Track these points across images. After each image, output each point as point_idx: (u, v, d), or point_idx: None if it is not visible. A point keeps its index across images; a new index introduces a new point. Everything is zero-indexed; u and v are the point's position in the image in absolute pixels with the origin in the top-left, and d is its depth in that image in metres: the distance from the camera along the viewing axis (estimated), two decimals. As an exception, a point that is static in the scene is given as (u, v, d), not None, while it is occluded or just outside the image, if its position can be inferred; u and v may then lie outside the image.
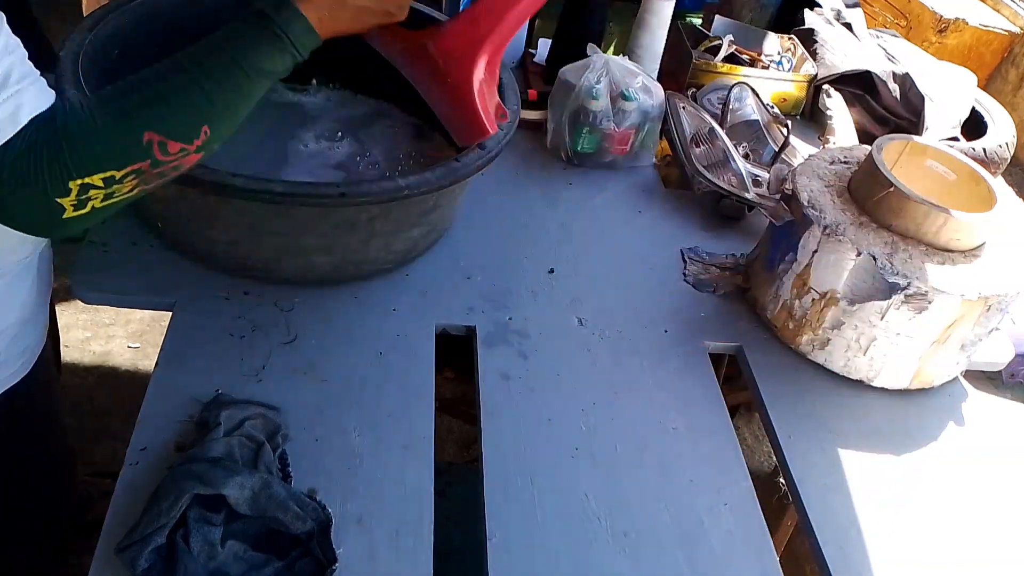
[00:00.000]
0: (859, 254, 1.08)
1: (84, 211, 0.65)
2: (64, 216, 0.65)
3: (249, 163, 1.17)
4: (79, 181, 0.64)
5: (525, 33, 1.75)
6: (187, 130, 0.69)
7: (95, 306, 1.86)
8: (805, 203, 1.14)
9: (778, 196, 1.30)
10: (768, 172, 1.41)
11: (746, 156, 1.45)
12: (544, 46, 1.79)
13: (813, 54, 1.83)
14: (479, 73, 1.00)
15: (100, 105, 0.66)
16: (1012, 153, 1.72)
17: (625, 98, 1.43)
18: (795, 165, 1.32)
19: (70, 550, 1.46)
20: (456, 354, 1.16)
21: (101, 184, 0.65)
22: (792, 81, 1.76)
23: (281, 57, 0.75)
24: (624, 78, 1.44)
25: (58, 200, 0.63)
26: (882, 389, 1.16)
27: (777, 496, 1.40)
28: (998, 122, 1.79)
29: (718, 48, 1.82)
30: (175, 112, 0.68)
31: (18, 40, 0.64)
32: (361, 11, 0.84)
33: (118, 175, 0.65)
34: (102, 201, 0.66)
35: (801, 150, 1.57)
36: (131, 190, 0.68)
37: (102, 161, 0.64)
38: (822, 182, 1.20)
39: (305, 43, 0.76)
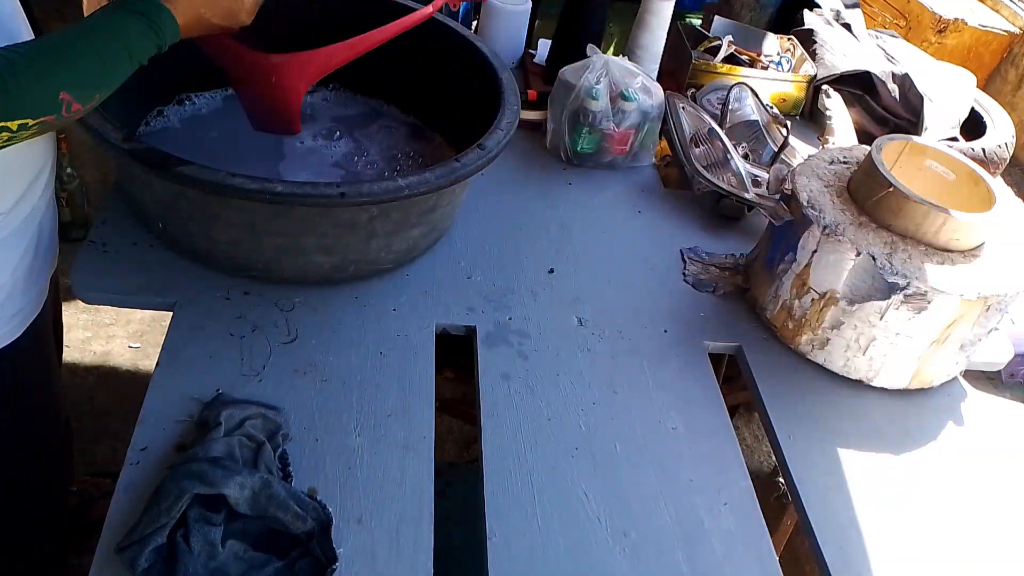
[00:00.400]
0: (858, 254, 1.08)
1: None
2: None
3: (248, 161, 1.18)
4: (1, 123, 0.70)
5: (525, 34, 1.75)
6: (89, 94, 0.78)
7: (95, 306, 1.86)
8: (804, 203, 1.15)
9: (777, 196, 1.30)
10: (768, 172, 1.41)
11: (745, 156, 1.45)
12: (544, 46, 1.79)
13: (812, 54, 1.83)
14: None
15: (25, 62, 0.73)
16: (1011, 153, 1.73)
17: (625, 98, 1.43)
18: (794, 165, 1.32)
19: (70, 550, 1.46)
20: (456, 354, 1.16)
21: (14, 129, 0.72)
22: (791, 81, 1.76)
23: (147, 43, 0.83)
24: (624, 78, 1.44)
25: None
26: (881, 389, 1.17)
27: (777, 496, 1.40)
28: (997, 122, 1.79)
29: (718, 48, 1.82)
30: (83, 78, 0.77)
31: None
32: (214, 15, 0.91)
33: (31, 123, 0.73)
34: (3, 143, 0.73)
35: (800, 150, 1.57)
36: (32, 135, 0.75)
37: (21, 106, 0.71)
38: (821, 182, 1.20)
39: (168, 33, 0.85)
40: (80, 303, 2.01)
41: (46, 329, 1.11)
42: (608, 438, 1.00)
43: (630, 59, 1.56)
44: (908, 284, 1.06)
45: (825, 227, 1.11)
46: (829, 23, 1.94)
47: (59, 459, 1.30)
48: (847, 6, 2.01)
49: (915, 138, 1.26)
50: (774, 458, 1.43)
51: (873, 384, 1.16)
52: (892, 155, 1.23)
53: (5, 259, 0.93)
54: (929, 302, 1.06)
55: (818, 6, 2.00)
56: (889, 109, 1.73)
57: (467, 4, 1.76)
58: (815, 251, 1.13)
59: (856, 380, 1.17)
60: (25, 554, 1.29)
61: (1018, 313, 1.35)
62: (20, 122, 0.72)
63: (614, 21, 1.93)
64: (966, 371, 1.23)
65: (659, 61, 1.68)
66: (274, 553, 0.80)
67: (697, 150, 1.46)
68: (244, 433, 0.86)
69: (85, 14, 1.56)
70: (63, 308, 2.11)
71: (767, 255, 1.22)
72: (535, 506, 0.91)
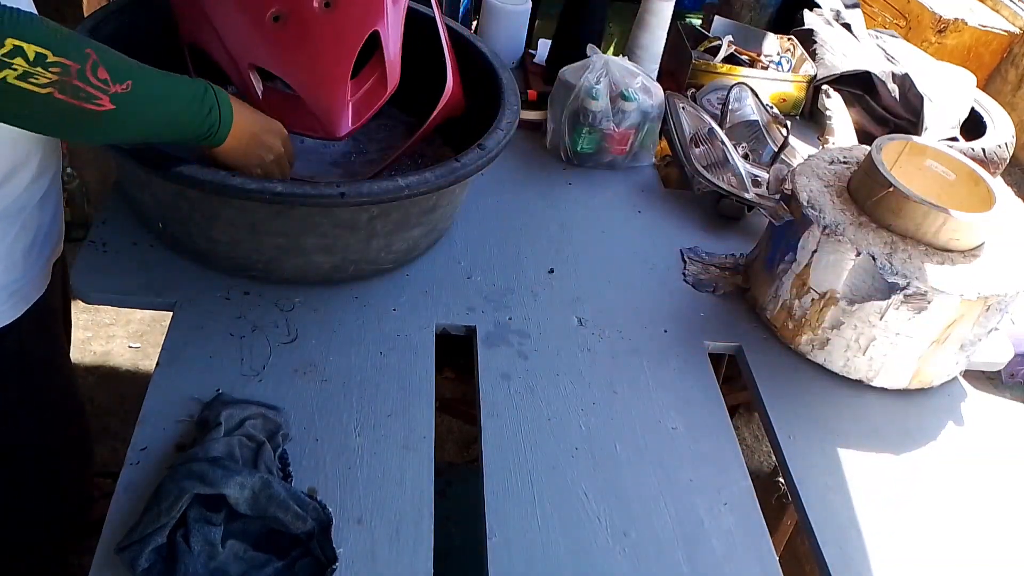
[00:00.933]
0: (858, 254, 1.08)
1: None
2: None
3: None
4: (16, 41, 0.66)
5: (525, 34, 1.75)
6: (118, 73, 0.75)
7: (95, 306, 1.86)
8: (804, 203, 1.15)
9: (777, 196, 1.30)
10: (767, 172, 1.41)
11: (745, 156, 1.45)
12: (544, 46, 1.79)
13: (812, 54, 1.83)
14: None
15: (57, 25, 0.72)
16: (1011, 153, 1.73)
17: (625, 98, 1.43)
18: (794, 165, 1.32)
19: (70, 550, 1.46)
20: (456, 354, 1.16)
21: (31, 57, 0.67)
22: (791, 81, 1.76)
23: (196, 118, 0.85)
24: (624, 78, 1.44)
25: None
26: (881, 389, 1.17)
27: (777, 496, 1.40)
28: (997, 122, 1.79)
29: (717, 48, 1.82)
30: (116, 60, 0.76)
31: None
32: (260, 162, 0.97)
33: (50, 58, 0.68)
34: (16, 78, 0.67)
35: (800, 150, 1.57)
36: (45, 85, 0.69)
37: (46, 37, 0.68)
38: (821, 182, 1.20)
39: (225, 122, 0.88)
40: (80, 303, 2.01)
41: (52, 316, 1.11)
42: (608, 438, 1.00)
43: (630, 59, 1.56)
44: (908, 284, 1.06)
45: (825, 227, 1.11)
46: (829, 23, 1.94)
47: (74, 453, 1.29)
48: (847, 6, 2.01)
49: (915, 138, 1.26)
50: (774, 458, 1.43)
51: (873, 384, 1.16)
52: (892, 155, 1.23)
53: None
54: (929, 302, 1.06)
55: (818, 6, 2.00)
56: (889, 109, 1.73)
57: (467, 4, 1.76)
58: (815, 251, 1.13)
59: (856, 380, 1.17)
60: (25, 554, 1.29)
61: (1018, 313, 1.35)
62: (38, 50, 0.67)
63: (614, 21, 1.93)
64: (966, 371, 1.23)
65: (659, 61, 1.68)
66: (274, 553, 0.80)
67: (697, 150, 1.46)
68: (244, 433, 0.86)
69: (85, 14, 1.56)
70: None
71: (767, 255, 1.22)
72: (535, 506, 0.91)
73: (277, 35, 1.00)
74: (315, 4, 1.01)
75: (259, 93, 0.99)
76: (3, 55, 0.66)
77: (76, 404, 1.26)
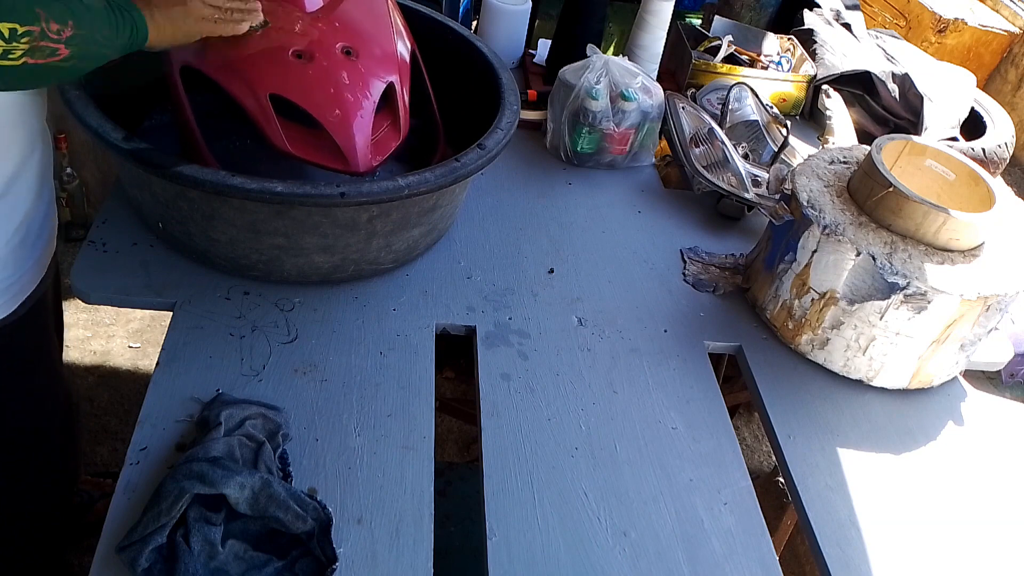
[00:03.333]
0: (858, 254, 1.08)
1: None
2: None
3: (244, 157, 1.17)
4: None
5: (525, 34, 1.75)
6: (62, 16, 0.79)
7: (95, 306, 1.86)
8: (804, 203, 1.15)
9: (777, 196, 1.30)
10: (767, 172, 1.41)
11: (745, 156, 1.45)
12: (544, 46, 1.79)
13: (812, 54, 1.83)
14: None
15: None
16: (1011, 153, 1.73)
17: (625, 98, 1.43)
18: (794, 165, 1.32)
19: (70, 550, 1.47)
20: (456, 354, 1.16)
21: (6, 35, 0.73)
22: (791, 81, 1.76)
23: (117, 26, 0.87)
24: (624, 78, 1.44)
25: None
26: (881, 389, 1.17)
27: (777, 495, 1.40)
28: (997, 122, 1.79)
29: (717, 48, 1.82)
30: (50, 6, 0.79)
31: None
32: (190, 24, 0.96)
33: (20, 29, 0.74)
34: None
35: (800, 150, 1.57)
36: (20, 57, 0.76)
37: (10, 10, 0.73)
38: (821, 182, 1.20)
39: (140, 30, 0.89)
40: (80, 303, 2.01)
41: (44, 313, 1.11)
42: (608, 438, 1.00)
43: (630, 59, 1.57)
44: (908, 284, 1.06)
45: (825, 227, 1.11)
46: (829, 23, 1.94)
47: (63, 450, 1.29)
48: (847, 6, 2.01)
49: (915, 138, 1.26)
50: (774, 458, 1.43)
51: (873, 384, 1.16)
52: (892, 155, 1.23)
53: None
54: (929, 302, 1.06)
55: (818, 6, 2.00)
56: (889, 109, 1.74)
57: (467, 4, 1.76)
58: (815, 251, 1.13)
59: (856, 380, 1.17)
60: (25, 554, 1.29)
61: (1018, 313, 1.35)
62: (9, 26, 0.73)
63: (614, 21, 1.93)
64: (966, 371, 1.23)
65: (659, 61, 1.68)
66: (274, 553, 0.80)
67: (697, 150, 1.46)
68: (244, 433, 0.86)
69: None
70: (64, 308, 2.11)
71: (767, 255, 1.22)
72: (535, 506, 0.91)
73: (301, 70, 1.02)
74: (337, 51, 1.04)
75: (275, 119, 1.00)
76: None
77: (66, 400, 1.27)
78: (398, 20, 1.17)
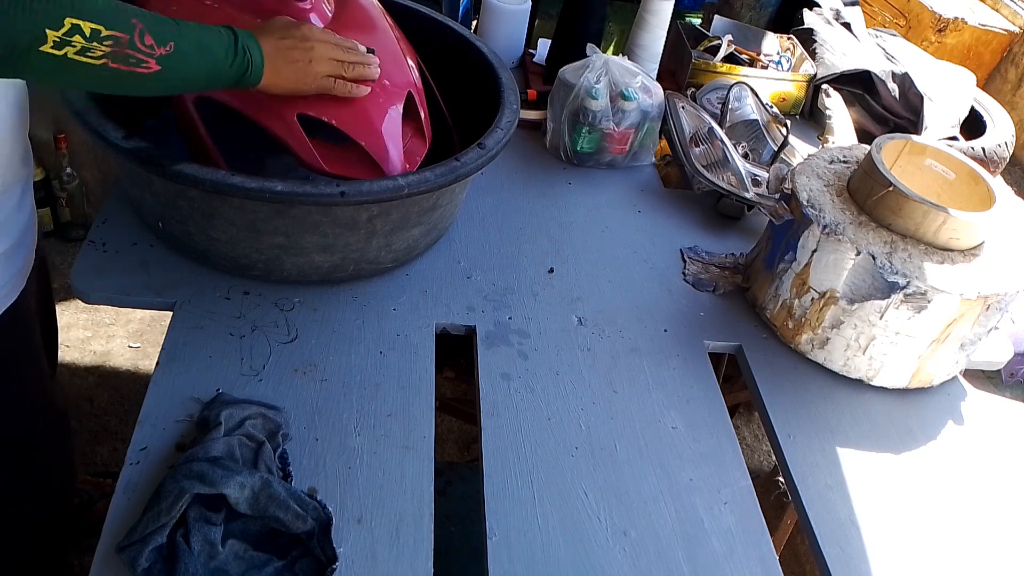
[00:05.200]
0: (858, 253, 1.08)
1: (58, 54, 0.72)
2: (41, 48, 0.71)
3: (243, 155, 1.17)
4: (73, 20, 0.72)
5: (525, 33, 1.75)
6: (162, 35, 0.81)
7: (95, 306, 1.86)
8: (804, 202, 1.15)
9: (777, 195, 1.30)
10: (767, 171, 1.41)
11: (745, 156, 1.45)
12: (544, 46, 1.79)
13: (812, 54, 1.83)
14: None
15: None
16: (1011, 152, 1.73)
17: (624, 98, 1.43)
18: (794, 164, 1.32)
19: (70, 550, 1.47)
20: (456, 354, 1.16)
21: (87, 33, 0.73)
22: (791, 81, 1.76)
23: (231, 65, 0.89)
24: (623, 78, 1.44)
25: (47, 30, 0.71)
26: (881, 388, 1.17)
27: (776, 495, 1.40)
28: (997, 121, 1.79)
29: (717, 48, 1.82)
30: (156, 22, 0.81)
31: None
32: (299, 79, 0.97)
33: (104, 32, 0.75)
34: (75, 53, 0.74)
35: (800, 150, 1.57)
36: (100, 58, 0.76)
37: (99, 13, 0.74)
38: (821, 181, 1.20)
39: (256, 58, 0.90)
40: (80, 303, 2.01)
41: (27, 318, 1.10)
42: (608, 437, 1.00)
43: (630, 59, 1.57)
44: (908, 283, 1.06)
45: (825, 226, 1.11)
46: (829, 22, 1.94)
47: (55, 455, 1.29)
48: (847, 5, 2.01)
49: (915, 137, 1.26)
50: (774, 458, 1.43)
51: (873, 383, 1.16)
52: (892, 154, 1.23)
53: None
54: (929, 301, 1.07)
55: (818, 5, 2.00)
56: (889, 108, 1.74)
57: (467, 4, 1.76)
58: (815, 250, 1.13)
59: (856, 379, 1.17)
60: (25, 555, 1.29)
61: (1018, 312, 1.35)
62: (93, 26, 0.73)
63: (614, 21, 1.93)
64: (966, 371, 1.23)
65: (659, 61, 1.68)
66: (274, 553, 0.80)
67: (697, 149, 1.46)
68: (244, 433, 0.86)
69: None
70: (62, 308, 2.11)
71: (767, 254, 1.22)
72: (535, 506, 0.91)
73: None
74: None
75: (307, 140, 1.00)
76: (63, 34, 0.72)
77: (56, 404, 1.26)
78: (395, 26, 1.17)
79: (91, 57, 0.75)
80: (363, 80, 1.00)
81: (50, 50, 0.72)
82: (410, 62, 1.14)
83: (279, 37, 0.93)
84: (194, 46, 0.84)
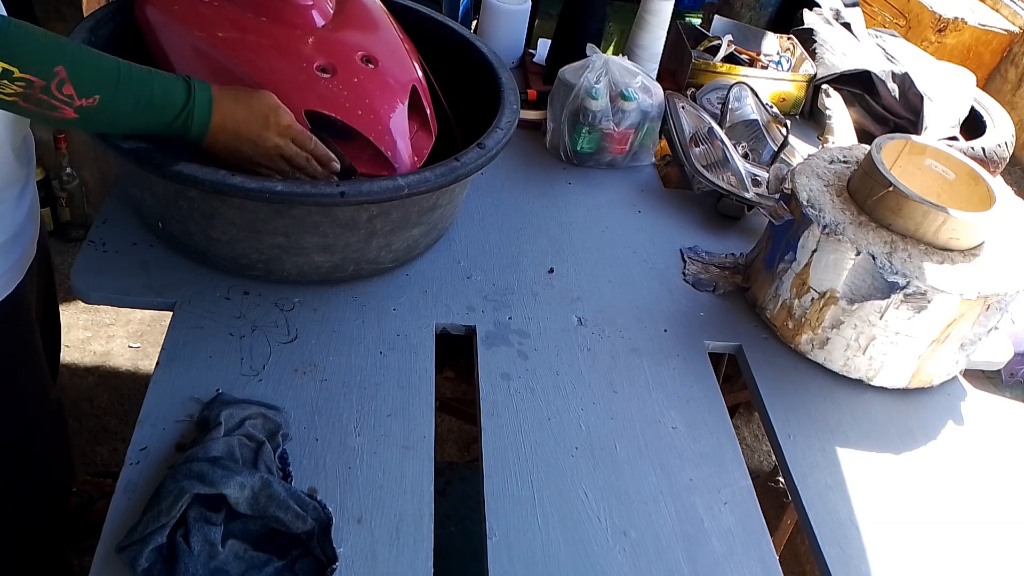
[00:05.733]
0: (858, 253, 1.08)
1: None
2: None
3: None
4: None
5: (525, 33, 1.75)
6: (85, 88, 0.80)
7: (95, 306, 1.86)
8: (804, 202, 1.15)
9: (777, 196, 1.30)
10: (767, 172, 1.41)
11: (745, 156, 1.45)
12: (544, 46, 1.79)
13: (812, 54, 1.83)
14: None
15: (40, 30, 0.78)
16: (1011, 152, 1.73)
17: (624, 98, 1.43)
18: (794, 165, 1.32)
19: (70, 550, 1.47)
20: (456, 354, 1.16)
21: None
22: (791, 81, 1.76)
23: (173, 115, 0.88)
24: (623, 78, 1.44)
25: None
26: (881, 388, 1.17)
27: (777, 495, 1.40)
28: (997, 121, 1.79)
29: (717, 48, 1.82)
30: (87, 70, 0.81)
31: None
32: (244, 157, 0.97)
33: (16, 74, 0.75)
34: None
35: (800, 150, 1.57)
36: (11, 95, 0.77)
37: (15, 54, 0.75)
38: (821, 181, 1.20)
39: (198, 125, 0.91)
40: (80, 303, 2.02)
41: (23, 314, 1.10)
42: (608, 437, 1.00)
43: (630, 59, 1.57)
44: (908, 283, 1.06)
45: (825, 226, 1.11)
46: (829, 22, 1.94)
47: (55, 454, 1.29)
48: (847, 5, 2.01)
49: (915, 137, 1.26)
50: (774, 458, 1.43)
51: (873, 383, 1.16)
52: (892, 154, 1.23)
53: None
54: (929, 301, 1.07)
55: (818, 5, 2.00)
56: (889, 108, 1.74)
57: (467, 3, 1.76)
58: (815, 250, 1.13)
59: (856, 379, 1.17)
60: (25, 555, 1.29)
61: (1018, 312, 1.35)
62: (5, 66, 0.74)
63: (614, 21, 1.93)
64: (966, 370, 1.23)
65: (659, 61, 1.68)
66: (274, 553, 0.80)
67: (697, 150, 1.46)
68: (244, 433, 0.86)
69: (84, 14, 1.57)
70: (62, 308, 2.11)
71: (767, 254, 1.22)
72: (535, 506, 0.91)
73: (330, 84, 1.02)
74: (358, 61, 1.05)
75: (312, 137, 1.01)
76: None
77: (55, 402, 1.26)
78: (396, 24, 1.18)
79: (2, 93, 0.76)
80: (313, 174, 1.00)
81: None
82: (413, 61, 1.15)
83: (238, 121, 0.93)
84: (130, 103, 0.85)
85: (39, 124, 0.85)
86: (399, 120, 1.05)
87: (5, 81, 0.75)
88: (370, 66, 1.06)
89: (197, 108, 0.90)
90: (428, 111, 1.13)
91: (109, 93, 0.83)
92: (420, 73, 1.14)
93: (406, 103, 1.07)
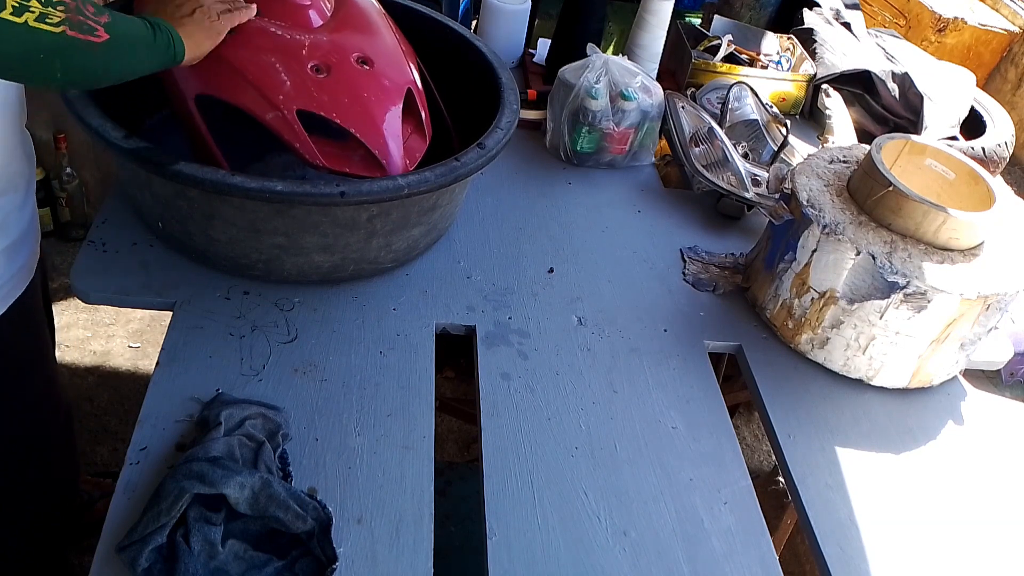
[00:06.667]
0: (858, 253, 1.08)
1: (18, 21, 0.70)
2: (1, 15, 0.69)
3: (242, 154, 1.17)
4: None
5: (525, 33, 1.75)
6: (97, 8, 0.78)
7: (95, 306, 1.86)
8: (804, 202, 1.15)
9: (777, 195, 1.30)
10: (767, 171, 1.41)
11: (745, 155, 1.45)
12: (544, 46, 1.79)
13: (812, 54, 1.83)
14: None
15: None
16: (1011, 152, 1.73)
17: (624, 98, 1.43)
18: (794, 164, 1.32)
19: (70, 550, 1.47)
20: (456, 354, 1.16)
21: (43, 3, 0.71)
22: (791, 81, 1.76)
23: (154, 36, 0.87)
24: (623, 78, 1.44)
25: None
26: (881, 388, 1.17)
27: (777, 494, 1.40)
28: (997, 121, 1.79)
29: (717, 48, 1.82)
30: None
31: None
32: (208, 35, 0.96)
33: None
34: (35, 20, 0.71)
35: (800, 149, 1.57)
36: (59, 24, 0.73)
37: None
38: (821, 181, 1.20)
39: (177, 46, 0.90)
40: (80, 303, 2.01)
41: (34, 315, 1.11)
42: (608, 437, 1.00)
43: (630, 58, 1.57)
44: (908, 283, 1.06)
45: (825, 226, 1.11)
46: (829, 22, 1.94)
47: (60, 454, 1.29)
48: (847, 5, 2.01)
49: (915, 137, 1.26)
50: (774, 458, 1.43)
51: (873, 383, 1.16)
52: (892, 154, 1.23)
53: None
54: (929, 301, 1.06)
55: (818, 5, 2.00)
56: (889, 108, 1.74)
57: (467, 3, 1.76)
58: (815, 250, 1.13)
59: (856, 379, 1.17)
60: (25, 554, 1.29)
61: (1018, 312, 1.35)
62: None
63: (614, 21, 1.93)
64: (966, 370, 1.23)
65: (659, 60, 1.68)
66: (274, 553, 0.80)
67: (697, 149, 1.46)
68: (244, 433, 0.86)
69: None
70: (62, 308, 2.11)
71: (767, 254, 1.22)
72: (535, 505, 0.91)
73: (323, 84, 1.02)
74: (353, 61, 1.05)
75: (306, 136, 1.00)
76: (20, 1, 0.69)
77: (63, 402, 1.27)
78: (394, 27, 1.17)
79: (50, 24, 0.72)
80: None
81: (10, 16, 0.69)
82: (410, 64, 1.15)
83: (172, 8, 0.93)
84: (123, 20, 0.83)
85: (72, 73, 0.80)
86: (392, 122, 1.05)
87: (50, 8, 0.72)
88: (365, 67, 1.06)
89: (152, 19, 0.89)
90: (423, 115, 1.12)
91: (109, 14, 0.80)
92: (417, 77, 1.14)
93: (400, 105, 1.07)
